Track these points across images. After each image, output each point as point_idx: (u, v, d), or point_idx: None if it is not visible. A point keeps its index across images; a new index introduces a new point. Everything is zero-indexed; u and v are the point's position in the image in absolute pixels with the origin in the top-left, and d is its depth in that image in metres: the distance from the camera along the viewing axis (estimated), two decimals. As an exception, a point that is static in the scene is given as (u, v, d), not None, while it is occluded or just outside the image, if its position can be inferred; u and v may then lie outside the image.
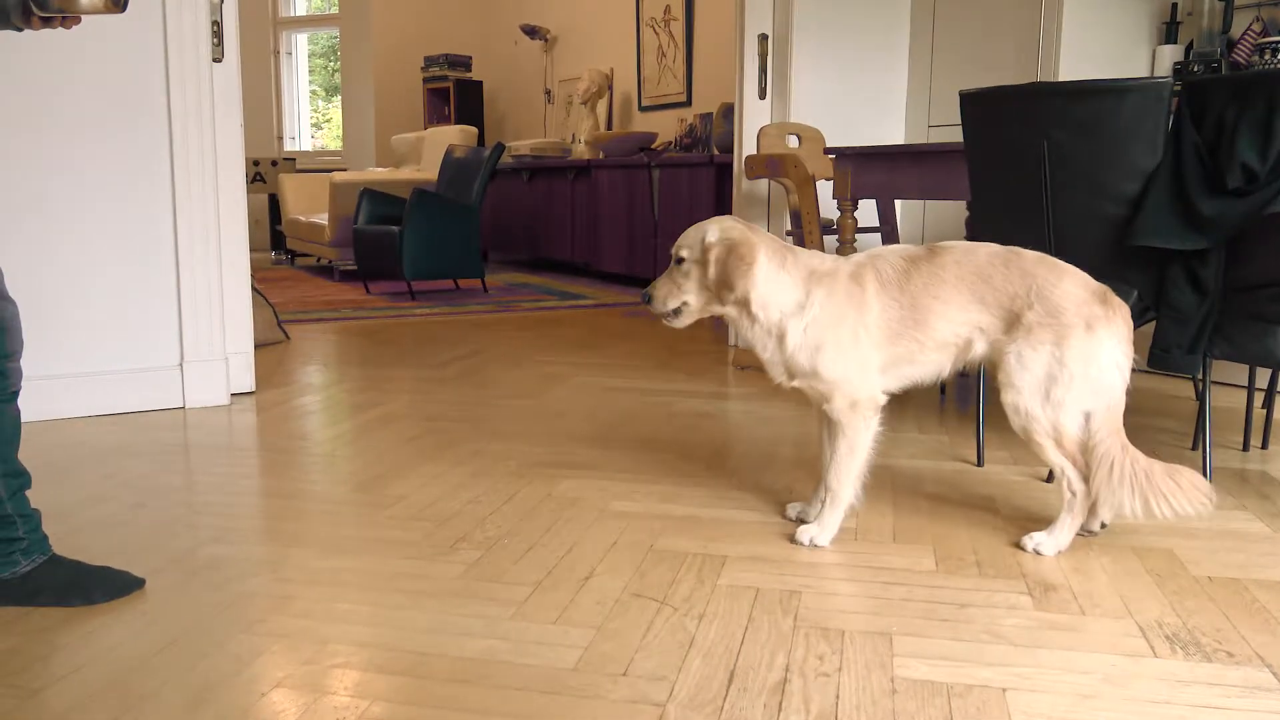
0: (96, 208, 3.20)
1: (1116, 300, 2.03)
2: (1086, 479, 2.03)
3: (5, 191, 3.05)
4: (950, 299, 2.02)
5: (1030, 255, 2.05)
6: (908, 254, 2.06)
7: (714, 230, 2.04)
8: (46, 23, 1.89)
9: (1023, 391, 2.01)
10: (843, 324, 2.02)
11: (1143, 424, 3.17)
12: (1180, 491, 1.97)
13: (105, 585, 1.83)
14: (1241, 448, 2.87)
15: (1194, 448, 2.87)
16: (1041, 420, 2.02)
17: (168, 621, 1.74)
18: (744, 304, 2.04)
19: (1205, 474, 2.39)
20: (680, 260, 2.06)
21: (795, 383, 2.09)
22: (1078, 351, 1.97)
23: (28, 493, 1.83)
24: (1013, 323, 2.01)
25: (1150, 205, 2.33)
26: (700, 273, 2.03)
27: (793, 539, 2.12)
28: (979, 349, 2.06)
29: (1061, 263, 2.06)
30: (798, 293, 2.03)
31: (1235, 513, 2.33)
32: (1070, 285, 2.00)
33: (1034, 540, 2.08)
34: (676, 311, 2.09)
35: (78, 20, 1.92)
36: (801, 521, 2.22)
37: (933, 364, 2.09)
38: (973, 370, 2.15)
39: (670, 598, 1.85)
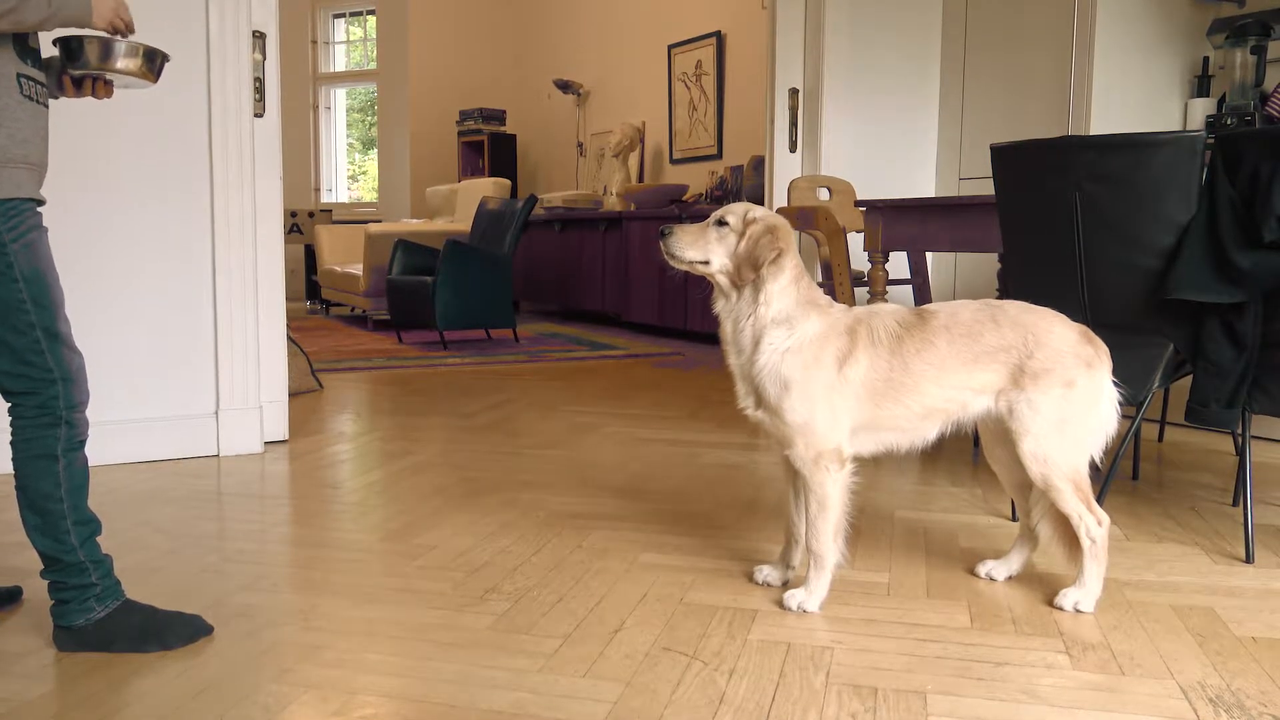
0: (138, 258, 3.27)
1: (1097, 338, 2.06)
2: (1100, 523, 2.04)
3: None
4: (944, 364, 2.00)
5: (1012, 305, 2.06)
6: (901, 317, 2.04)
7: (761, 211, 2.07)
8: (78, 86, 1.92)
9: (1040, 437, 2.00)
10: (819, 368, 1.99)
11: (1182, 479, 3.12)
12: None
13: (179, 631, 1.85)
14: (1284, 504, 2.82)
15: (1235, 504, 2.82)
16: (1061, 464, 2.01)
17: (198, 669, 1.74)
18: (755, 290, 2.03)
19: (1246, 530, 2.35)
20: (723, 223, 2.05)
21: (760, 414, 2.06)
22: (1085, 392, 2.00)
23: (99, 539, 1.85)
24: (1016, 374, 2.00)
25: (1185, 258, 2.31)
26: (735, 242, 2.04)
27: (780, 604, 2.06)
28: (977, 406, 2.04)
29: (1040, 307, 2.07)
30: (795, 309, 2.02)
31: (1279, 571, 2.28)
32: (1061, 329, 2.03)
33: (1070, 598, 2.05)
34: (690, 262, 2.07)
35: (110, 92, 1.95)
36: (769, 585, 2.17)
37: (919, 431, 2.07)
38: (965, 429, 2.11)
39: (700, 652, 1.83)
